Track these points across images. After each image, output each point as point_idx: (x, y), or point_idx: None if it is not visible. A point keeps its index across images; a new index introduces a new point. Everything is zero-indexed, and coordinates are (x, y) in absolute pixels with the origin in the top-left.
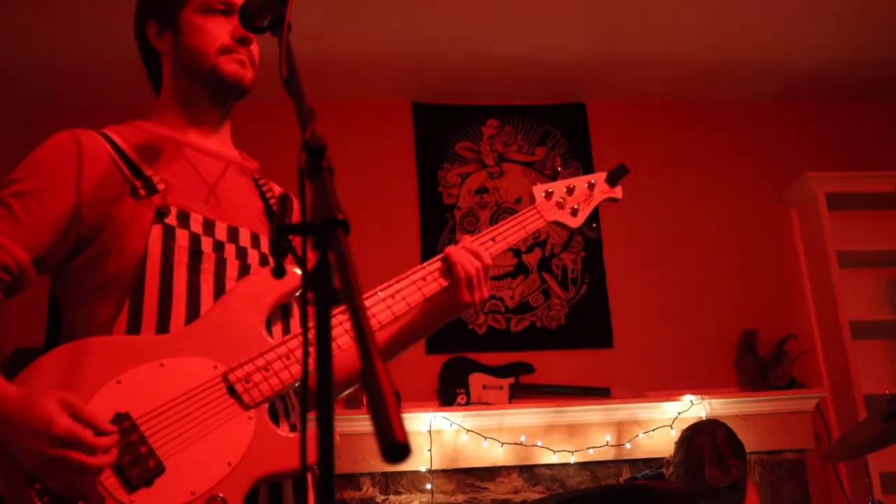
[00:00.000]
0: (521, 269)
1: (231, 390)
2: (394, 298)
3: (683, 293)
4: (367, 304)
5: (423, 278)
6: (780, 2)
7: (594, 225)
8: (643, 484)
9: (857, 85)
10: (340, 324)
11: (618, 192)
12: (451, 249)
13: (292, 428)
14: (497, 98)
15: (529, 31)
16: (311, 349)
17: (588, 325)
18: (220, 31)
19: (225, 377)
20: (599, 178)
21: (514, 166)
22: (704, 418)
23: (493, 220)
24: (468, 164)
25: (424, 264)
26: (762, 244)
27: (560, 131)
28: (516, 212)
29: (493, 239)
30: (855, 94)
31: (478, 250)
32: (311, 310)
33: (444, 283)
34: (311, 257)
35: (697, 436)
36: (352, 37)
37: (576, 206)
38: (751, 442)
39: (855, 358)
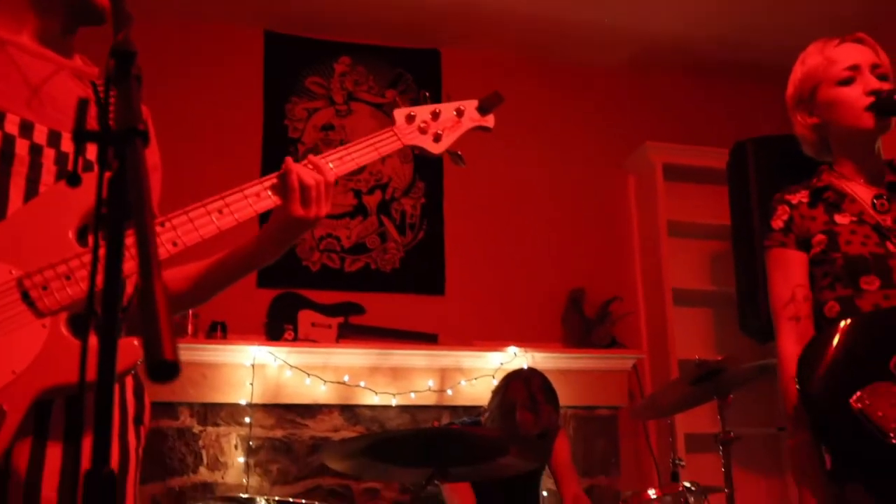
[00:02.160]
0: (360, 210)
1: (25, 296)
2: (221, 213)
3: (518, 248)
4: (190, 216)
5: (258, 193)
6: None
7: (459, 153)
8: (454, 428)
9: (704, 61)
10: (163, 244)
11: (489, 120)
12: (291, 161)
13: None
14: (353, 36)
15: None
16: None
17: (422, 271)
18: None
19: (20, 282)
20: (470, 105)
21: (363, 106)
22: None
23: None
24: (317, 100)
25: (262, 178)
26: (599, 207)
27: (412, 76)
28: None
29: (340, 157)
30: (701, 70)
31: (320, 164)
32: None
33: (279, 200)
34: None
35: (513, 381)
36: None
37: (439, 132)
38: (568, 397)
39: (674, 323)
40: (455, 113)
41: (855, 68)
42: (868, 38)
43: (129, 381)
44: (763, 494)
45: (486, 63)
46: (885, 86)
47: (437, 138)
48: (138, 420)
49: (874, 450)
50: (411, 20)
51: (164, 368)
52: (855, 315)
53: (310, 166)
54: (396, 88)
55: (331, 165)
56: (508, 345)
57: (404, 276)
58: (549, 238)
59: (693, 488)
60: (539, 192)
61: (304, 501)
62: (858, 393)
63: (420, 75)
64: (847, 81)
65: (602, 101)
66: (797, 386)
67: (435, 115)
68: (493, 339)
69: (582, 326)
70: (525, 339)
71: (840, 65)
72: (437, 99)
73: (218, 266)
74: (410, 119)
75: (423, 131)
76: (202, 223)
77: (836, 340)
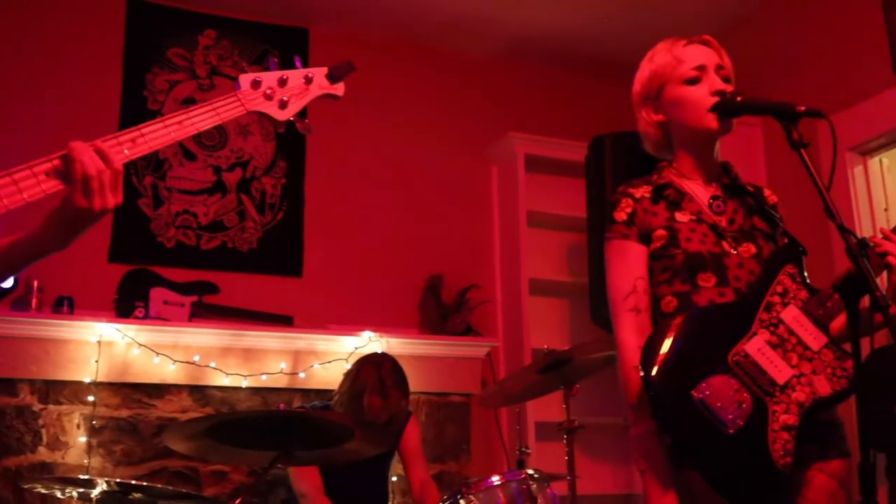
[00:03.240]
0: (218, 187)
1: None
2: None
3: (379, 233)
4: None
5: (28, 179)
6: None
7: (307, 121)
8: (300, 411)
9: (568, 55)
10: None
11: (339, 88)
12: (76, 145)
13: None
14: (220, 9)
15: None
16: None
17: (280, 252)
18: None
19: None
20: (319, 72)
21: (226, 82)
22: None
23: (197, 134)
24: (179, 72)
25: (40, 160)
26: (462, 195)
27: (279, 53)
28: (221, 127)
29: (180, 121)
30: (566, 63)
31: (105, 151)
32: None
33: (61, 185)
34: None
35: (364, 366)
36: None
37: (285, 99)
38: (422, 383)
39: (529, 313)
40: (303, 80)
41: (701, 68)
42: (713, 41)
43: None
44: (609, 483)
45: (356, 45)
46: (729, 87)
47: (283, 105)
48: None
49: (713, 439)
50: None
51: None
52: (693, 310)
53: (92, 150)
54: (261, 66)
55: (126, 151)
56: (364, 329)
57: (262, 256)
58: (412, 223)
59: (536, 475)
60: (402, 178)
61: (145, 483)
62: (699, 384)
63: (287, 53)
64: (693, 81)
65: (469, 89)
66: (641, 376)
67: (282, 82)
68: (349, 323)
69: (438, 313)
70: (382, 324)
71: (687, 64)
72: None
73: (4, 251)
74: (256, 85)
75: (268, 98)
76: None
77: (678, 333)
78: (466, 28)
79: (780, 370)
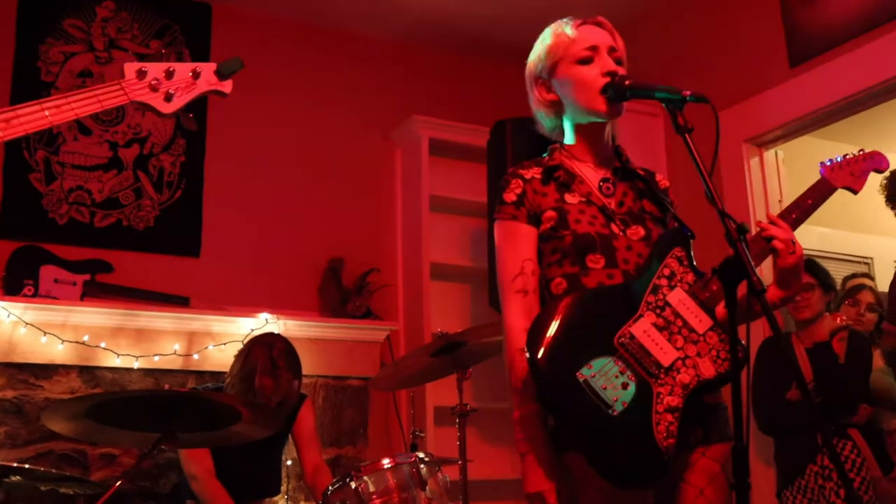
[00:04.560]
0: (114, 163)
1: None
2: None
3: (280, 214)
4: None
5: None
6: None
7: (191, 116)
8: (184, 391)
9: (472, 39)
10: None
11: (226, 86)
12: None
13: None
14: None
15: None
16: None
17: (177, 231)
18: None
19: None
20: (208, 67)
21: (125, 55)
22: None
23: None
24: (75, 44)
25: None
26: (365, 177)
27: (180, 28)
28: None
29: (58, 105)
30: (470, 47)
31: None
32: None
33: None
34: None
35: (255, 346)
36: None
37: (171, 92)
38: (320, 366)
39: (430, 297)
40: (191, 74)
41: (594, 49)
42: (607, 23)
43: None
44: (506, 467)
45: (260, 22)
46: (621, 70)
47: (168, 97)
48: None
49: (597, 421)
50: None
51: None
52: (581, 291)
53: None
54: (162, 40)
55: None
56: (261, 311)
57: (158, 235)
58: (313, 205)
59: (427, 459)
60: (304, 159)
61: (26, 466)
62: (584, 366)
63: (188, 28)
64: (586, 61)
65: (374, 71)
66: (527, 357)
67: (169, 74)
68: (248, 304)
69: (338, 296)
70: (281, 307)
71: (580, 44)
72: (204, 56)
73: None
74: (142, 75)
75: (154, 89)
76: None
77: (564, 315)
78: (372, 10)
79: (665, 352)
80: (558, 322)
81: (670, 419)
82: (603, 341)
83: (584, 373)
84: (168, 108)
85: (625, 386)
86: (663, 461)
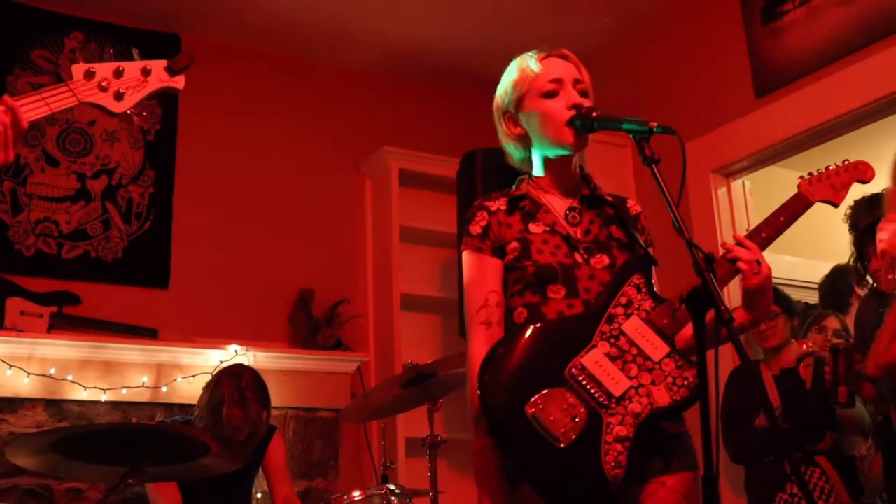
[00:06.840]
0: (82, 195)
1: None
2: None
3: (250, 245)
4: None
5: None
6: None
7: (144, 113)
8: (151, 425)
9: (442, 71)
10: None
11: (178, 81)
12: None
13: None
14: (88, 11)
15: None
16: None
17: (146, 262)
18: None
19: None
20: (158, 64)
21: None
22: None
23: (61, 139)
24: (43, 75)
25: None
26: (335, 208)
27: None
28: (87, 133)
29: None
30: (439, 78)
31: (14, 106)
32: None
33: None
34: None
35: (223, 378)
36: None
37: (122, 91)
38: (290, 397)
39: (401, 328)
40: (141, 72)
41: (558, 81)
42: (571, 55)
43: None
44: (476, 498)
45: (229, 53)
46: (586, 102)
47: (118, 97)
48: None
49: (545, 454)
50: (153, 1)
51: None
52: (541, 321)
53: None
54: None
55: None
56: (230, 342)
57: (127, 266)
58: (283, 236)
59: (398, 490)
60: (274, 190)
61: None
62: (533, 398)
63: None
64: (551, 94)
65: (344, 102)
66: (478, 393)
67: (118, 73)
68: (217, 336)
69: (308, 327)
70: (250, 338)
71: (544, 77)
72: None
73: None
74: (90, 75)
75: (103, 89)
76: None
77: (514, 347)
78: (342, 41)
79: (616, 382)
80: (509, 355)
81: (619, 449)
82: (554, 373)
83: (532, 406)
84: (119, 108)
85: (574, 418)
86: (612, 492)
